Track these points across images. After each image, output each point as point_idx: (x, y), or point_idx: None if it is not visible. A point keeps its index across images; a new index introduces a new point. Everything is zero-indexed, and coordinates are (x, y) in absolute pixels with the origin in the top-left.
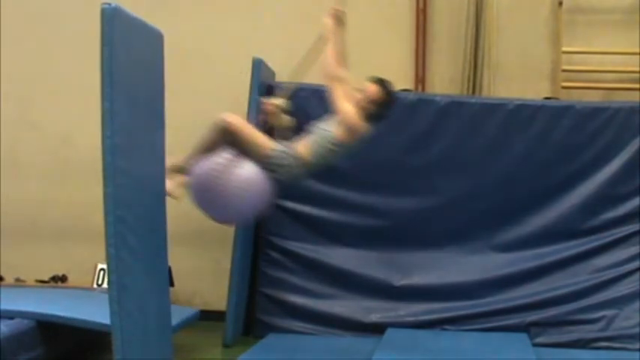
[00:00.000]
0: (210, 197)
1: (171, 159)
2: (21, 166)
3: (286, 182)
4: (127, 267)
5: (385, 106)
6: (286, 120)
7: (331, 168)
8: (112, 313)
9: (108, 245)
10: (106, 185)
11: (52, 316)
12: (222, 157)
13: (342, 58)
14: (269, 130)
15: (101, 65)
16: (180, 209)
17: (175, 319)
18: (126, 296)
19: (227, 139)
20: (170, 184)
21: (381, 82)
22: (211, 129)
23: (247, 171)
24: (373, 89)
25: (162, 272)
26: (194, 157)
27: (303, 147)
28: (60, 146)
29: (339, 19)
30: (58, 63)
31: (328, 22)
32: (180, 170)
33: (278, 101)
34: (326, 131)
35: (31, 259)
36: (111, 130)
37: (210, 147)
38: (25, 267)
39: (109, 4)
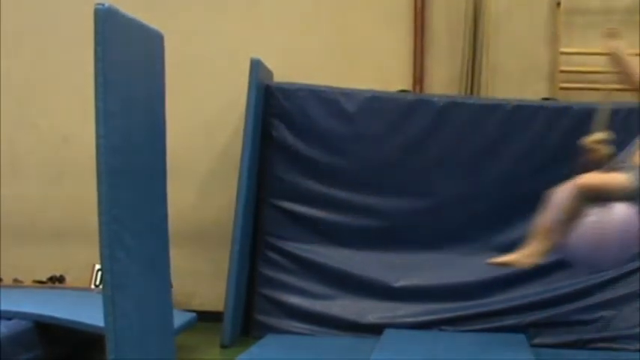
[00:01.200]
0: (602, 253)
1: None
2: (20, 166)
3: None
4: (123, 267)
5: None
6: (608, 149)
7: (329, 168)
8: (106, 314)
9: (102, 245)
10: (100, 185)
11: (51, 317)
12: (595, 214)
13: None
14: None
15: (95, 65)
16: (177, 210)
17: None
18: (122, 296)
19: (587, 198)
20: (517, 256)
21: None
22: (568, 200)
23: (620, 212)
24: None
25: (163, 273)
26: (558, 231)
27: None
28: (59, 146)
29: (616, 35)
30: (57, 63)
31: (611, 43)
32: (545, 250)
33: (599, 136)
34: None
35: (29, 260)
36: (105, 130)
37: (573, 214)
38: (23, 267)
39: (103, 4)
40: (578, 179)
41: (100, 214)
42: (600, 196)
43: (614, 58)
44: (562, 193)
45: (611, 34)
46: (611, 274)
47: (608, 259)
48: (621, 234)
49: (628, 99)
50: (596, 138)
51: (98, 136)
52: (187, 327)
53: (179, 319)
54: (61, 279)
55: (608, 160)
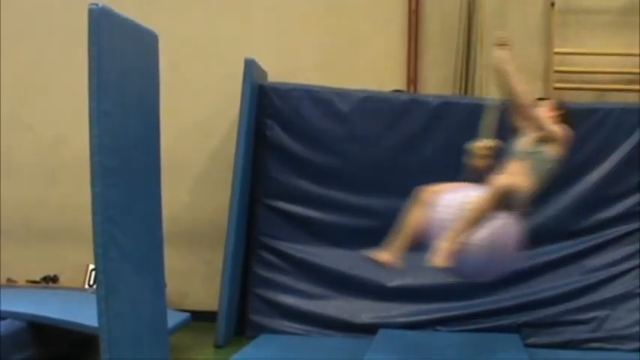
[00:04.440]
0: (497, 261)
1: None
2: (14, 167)
3: None
4: (116, 267)
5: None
6: (491, 160)
7: (323, 168)
8: (100, 313)
9: (96, 245)
10: (94, 185)
11: (44, 317)
12: (501, 220)
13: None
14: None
15: (89, 65)
16: (171, 210)
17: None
18: (115, 296)
19: (501, 202)
20: (387, 256)
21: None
22: (484, 203)
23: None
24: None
25: (157, 273)
26: (464, 233)
27: (523, 176)
28: (53, 147)
29: (507, 44)
30: (51, 64)
31: (500, 53)
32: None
33: (486, 143)
34: (540, 153)
35: (23, 259)
36: (99, 130)
37: (483, 218)
38: (17, 267)
39: (97, 4)
40: (499, 180)
41: (94, 213)
42: (509, 200)
43: (498, 70)
44: (453, 194)
45: (501, 44)
46: (605, 274)
47: (494, 269)
48: (512, 244)
49: (623, 99)
50: (483, 145)
51: (92, 136)
52: (181, 327)
53: (173, 319)
54: (54, 279)
55: (490, 170)
